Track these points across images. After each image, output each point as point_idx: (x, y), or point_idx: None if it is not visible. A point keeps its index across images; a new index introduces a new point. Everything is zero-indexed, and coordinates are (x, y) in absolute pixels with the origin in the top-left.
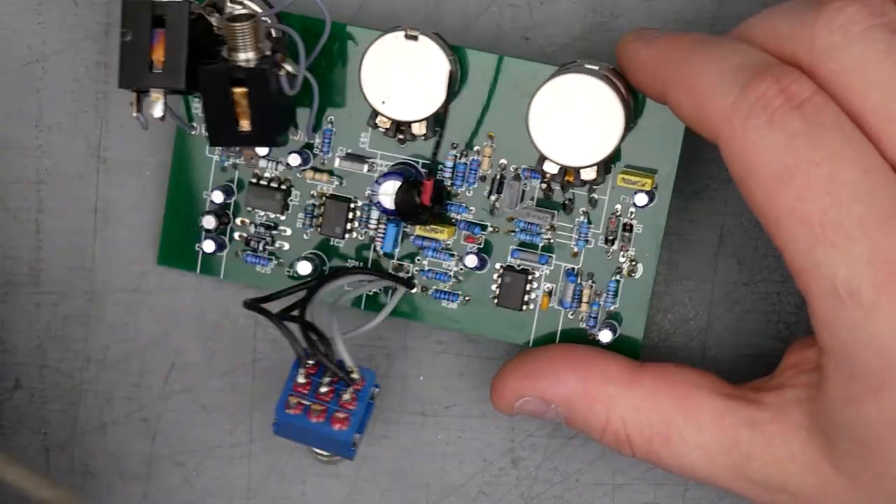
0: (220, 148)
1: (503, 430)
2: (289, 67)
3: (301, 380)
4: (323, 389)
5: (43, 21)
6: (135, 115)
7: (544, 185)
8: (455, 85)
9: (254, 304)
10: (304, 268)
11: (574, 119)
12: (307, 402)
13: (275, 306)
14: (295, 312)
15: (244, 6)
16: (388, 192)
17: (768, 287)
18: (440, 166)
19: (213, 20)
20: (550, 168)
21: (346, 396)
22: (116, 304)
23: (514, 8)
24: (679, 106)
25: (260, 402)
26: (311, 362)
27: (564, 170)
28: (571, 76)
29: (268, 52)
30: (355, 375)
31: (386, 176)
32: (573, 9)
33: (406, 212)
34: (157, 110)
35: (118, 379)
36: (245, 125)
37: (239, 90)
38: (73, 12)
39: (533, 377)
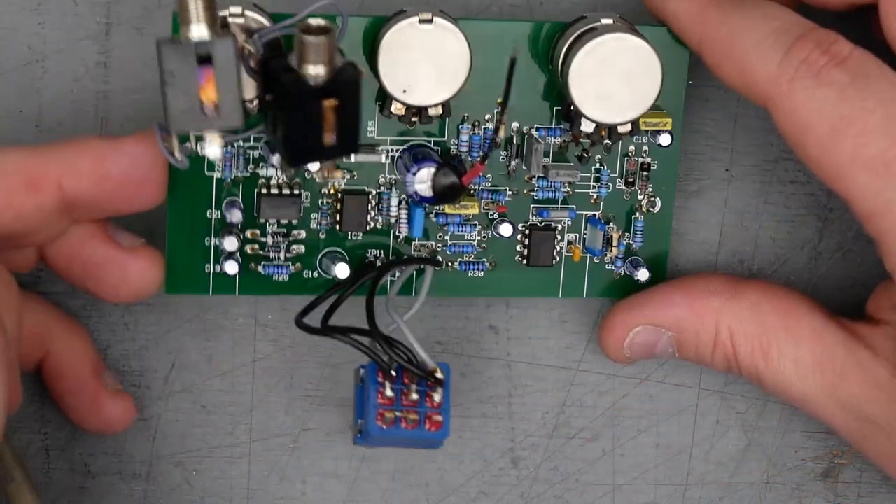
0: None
1: (503, 430)
2: (364, 72)
3: (389, 393)
4: (414, 396)
5: (43, 21)
6: (177, 157)
7: (564, 142)
8: (471, 62)
9: (324, 328)
10: (342, 270)
11: (615, 78)
12: (398, 413)
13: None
14: (354, 325)
15: (247, 19)
16: (423, 180)
17: None
18: (454, 141)
19: (251, 47)
20: (587, 126)
21: (437, 398)
22: (116, 304)
23: (514, 8)
24: (718, 66)
25: (260, 402)
26: (394, 374)
27: (600, 127)
28: (611, 37)
29: (339, 62)
30: (439, 375)
31: (417, 164)
32: (573, 8)
33: (446, 196)
34: (215, 152)
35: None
36: (329, 138)
37: (329, 103)
38: (73, 12)
39: (640, 305)
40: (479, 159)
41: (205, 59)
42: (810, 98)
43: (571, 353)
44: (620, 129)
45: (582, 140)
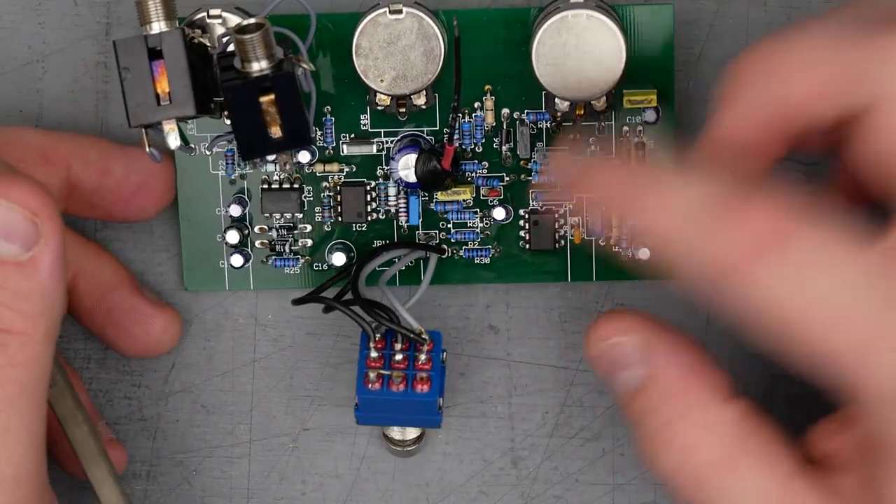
0: (229, 163)
1: (503, 430)
2: (305, 66)
3: (374, 354)
4: (398, 358)
5: (43, 21)
6: (147, 150)
7: (553, 124)
8: (446, 47)
9: (310, 298)
10: (339, 258)
11: (578, 54)
12: (386, 373)
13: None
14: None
15: (224, 20)
16: (407, 167)
17: None
18: (445, 129)
19: (206, 41)
20: (562, 106)
21: (423, 358)
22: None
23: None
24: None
25: (260, 402)
26: (378, 336)
27: (574, 105)
28: (569, 13)
29: (280, 56)
30: (425, 336)
31: (400, 151)
32: None
33: (429, 181)
34: (173, 141)
35: (118, 379)
36: (276, 132)
37: (266, 98)
38: (73, 12)
39: (652, 328)
40: (446, 139)
41: (157, 53)
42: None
43: (571, 353)
44: (596, 107)
45: (560, 120)
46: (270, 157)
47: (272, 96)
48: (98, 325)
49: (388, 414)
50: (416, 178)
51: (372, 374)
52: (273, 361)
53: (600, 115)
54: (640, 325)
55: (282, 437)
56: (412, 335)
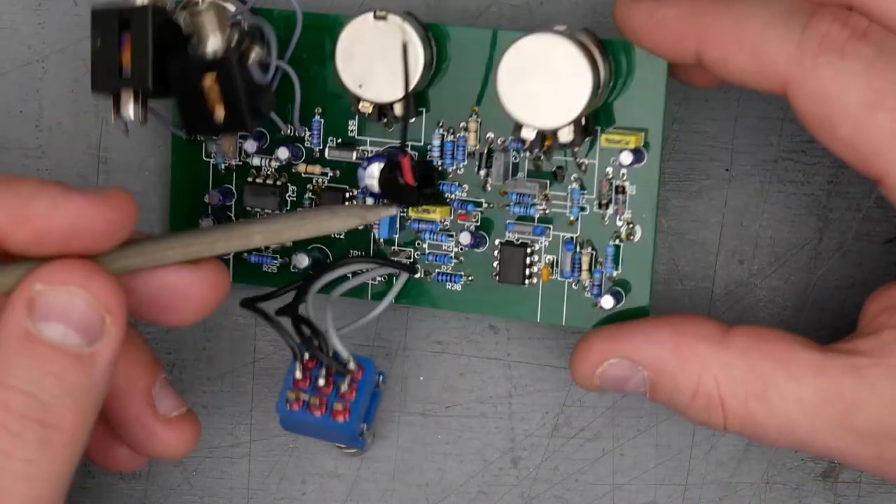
0: (215, 149)
1: (503, 430)
2: (255, 55)
3: (298, 375)
4: (321, 382)
5: (43, 21)
6: (113, 121)
7: (528, 154)
8: (433, 61)
9: (248, 303)
10: (302, 260)
11: (542, 80)
12: (306, 397)
13: (279, 303)
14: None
15: (217, 7)
16: (373, 175)
17: (769, 286)
18: (429, 146)
19: (181, 19)
20: (528, 134)
21: (344, 388)
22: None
23: (514, 8)
24: (726, 60)
25: (260, 402)
26: (307, 356)
27: (542, 135)
28: (534, 37)
29: (233, 42)
30: (351, 366)
31: (370, 160)
32: (573, 9)
33: (392, 193)
34: (130, 112)
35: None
36: (218, 112)
37: (209, 80)
38: (73, 12)
39: (622, 337)
40: (399, 150)
41: (127, 25)
42: (837, 73)
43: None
44: (561, 138)
45: (530, 149)
46: (252, 149)
47: (213, 76)
48: (107, 418)
49: (310, 430)
50: (379, 187)
51: (292, 395)
52: (273, 361)
53: (573, 150)
54: (609, 342)
55: (282, 437)
56: (334, 363)
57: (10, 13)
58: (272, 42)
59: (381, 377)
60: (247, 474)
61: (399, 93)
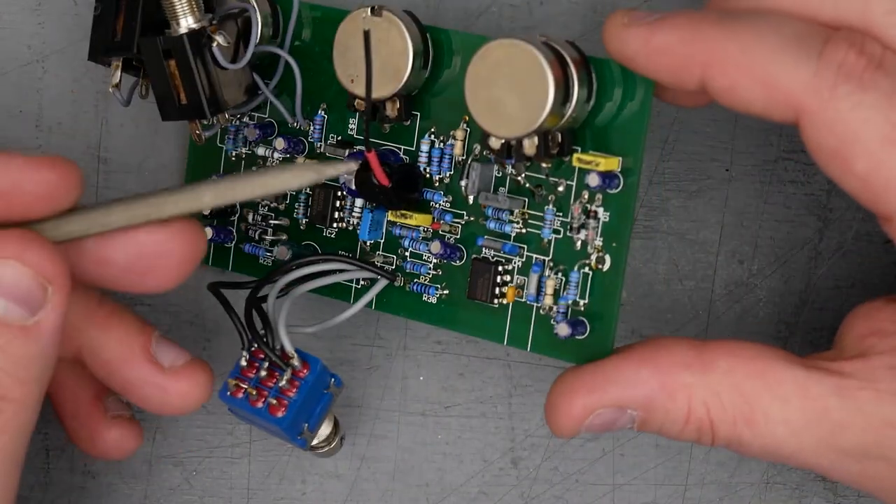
0: (229, 138)
1: (503, 430)
2: (220, 39)
3: (244, 363)
4: (263, 374)
5: (43, 21)
6: (110, 89)
7: (499, 166)
8: (427, 63)
9: (213, 287)
10: (282, 253)
11: (505, 87)
12: (246, 387)
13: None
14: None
15: None
16: (351, 171)
17: (769, 286)
18: (419, 152)
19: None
20: (494, 143)
21: (283, 383)
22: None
23: (514, 8)
24: (734, 89)
25: None
26: (255, 346)
27: (508, 145)
28: (499, 42)
29: (198, 25)
30: (295, 362)
31: (349, 157)
32: (573, 9)
33: (369, 193)
34: (115, 77)
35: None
36: (183, 97)
37: (173, 64)
38: (73, 12)
39: (603, 387)
40: (363, 146)
41: None
42: (857, 106)
43: None
44: (526, 150)
45: (496, 160)
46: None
47: (174, 61)
48: (119, 391)
49: (252, 420)
50: (356, 186)
51: (232, 383)
52: None
53: (529, 161)
54: (592, 395)
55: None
56: (272, 355)
57: (10, 13)
58: (255, 30)
59: (333, 380)
60: (247, 474)
61: (389, 90)
